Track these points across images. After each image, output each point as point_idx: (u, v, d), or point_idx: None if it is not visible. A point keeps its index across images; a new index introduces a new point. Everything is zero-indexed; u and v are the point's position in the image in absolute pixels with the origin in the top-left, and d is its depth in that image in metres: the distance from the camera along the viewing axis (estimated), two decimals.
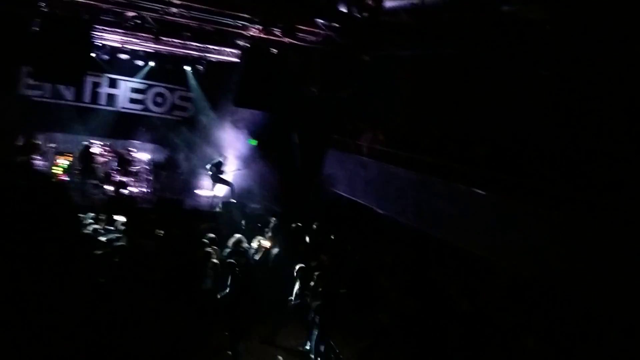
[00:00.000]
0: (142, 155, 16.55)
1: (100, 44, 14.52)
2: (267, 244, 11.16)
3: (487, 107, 11.86)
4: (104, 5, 12.70)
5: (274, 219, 13.64)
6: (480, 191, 10.23)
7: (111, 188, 14.88)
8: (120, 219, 11.35)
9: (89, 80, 15.86)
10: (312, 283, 9.44)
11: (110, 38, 14.53)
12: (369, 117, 15.21)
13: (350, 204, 14.68)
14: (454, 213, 10.89)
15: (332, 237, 12.47)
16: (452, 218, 10.92)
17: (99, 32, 13.95)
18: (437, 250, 11.58)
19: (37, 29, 12.18)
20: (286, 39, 12.10)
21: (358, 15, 8.29)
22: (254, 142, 18.02)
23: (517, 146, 10.51)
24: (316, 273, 9.55)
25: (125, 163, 15.62)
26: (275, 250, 10.82)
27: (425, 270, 11.15)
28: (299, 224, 13.41)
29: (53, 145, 15.14)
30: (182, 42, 15.10)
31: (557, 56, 8.75)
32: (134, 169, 15.94)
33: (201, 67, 16.45)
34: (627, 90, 8.88)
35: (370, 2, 7.71)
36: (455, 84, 11.80)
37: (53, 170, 14.65)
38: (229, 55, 16.03)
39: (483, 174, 10.18)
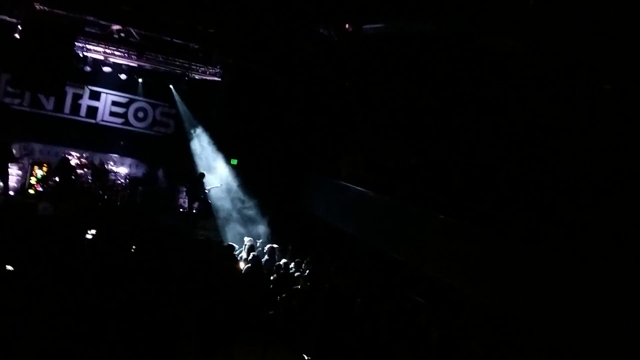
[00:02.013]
0: (120, 169, 16.37)
1: (83, 56, 14.46)
2: (242, 265, 11.10)
3: (466, 138, 11.95)
4: (89, 17, 12.75)
5: (249, 239, 13.57)
6: (455, 220, 10.23)
7: (86, 200, 14.67)
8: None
9: (70, 91, 15.72)
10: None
11: (94, 50, 14.51)
12: (349, 141, 15.24)
13: (328, 227, 14.62)
14: (429, 241, 10.88)
15: (308, 260, 12.36)
16: (426, 246, 10.90)
17: (82, 43, 13.95)
18: (411, 279, 11.54)
19: (19, 36, 12.15)
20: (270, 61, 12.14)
21: (335, 40, 8.34)
22: (235, 162, 17.97)
23: (493, 178, 10.57)
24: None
25: (101, 176, 15.42)
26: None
27: (399, 298, 11.06)
28: (274, 245, 13.34)
29: (29, 154, 14.90)
30: (166, 58, 15.18)
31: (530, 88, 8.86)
32: (110, 182, 15.76)
33: (184, 85, 16.42)
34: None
35: (348, 27, 7.75)
36: (435, 114, 11.88)
37: None
38: (211, 74, 16.08)
39: (459, 203, 10.20)
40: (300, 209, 15.84)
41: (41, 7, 12.37)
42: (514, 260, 9.00)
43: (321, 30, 8.04)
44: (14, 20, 12.69)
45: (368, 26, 7.80)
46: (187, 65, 15.71)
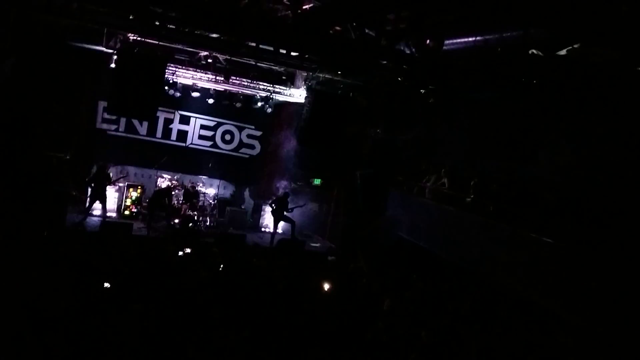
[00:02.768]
0: (208, 190, 16.95)
1: (174, 82, 15.14)
2: (326, 285, 11.09)
3: (556, 152, 11.43)
4: (179, 46, 13.34)
5: (333, 258, 13.59)
6: (547, 239, 9.77)
7: (177, 221, 15.28)
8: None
9: (162, 116, 16.49)
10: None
11: (184, 76, 15.17)
12: (433, 159, 14.99)
13: (412, 247, 14.38)
14: (521, 261, 10.45)
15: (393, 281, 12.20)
16: (519, 266, 10.47)
17: (172, 70, 14.64)
18: (502, 299, 11.11)
19: (114, 65, 12.87)
20: (350, 80, 12.18)
21: (417, 56, 8.24)
22: (318, 181, 18.12)
23: (586, 194, 10.04)
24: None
25: (191, 197, 16.01)
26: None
27: (488, 320, 10.66)
28: (358, 265, 13.28)
29: (124, 176, 15.69)
30: (251, 81, 15.63)
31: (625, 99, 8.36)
32: (199, 203, 16.31)
33: (268, 107, 16.76)
34: None
35: (429, 44, 7.63)
36: (522, 128, 11.45)
37: None
38: (294, 96, 16.38)
39: (550, 221, 9.75)
40: (385, 228, 15.67)
41: (135, 37, 13.11)
42: (611, 281, 8.49)
43: (402, 48, 7.99)
44: (110, 51, 13.51)
45: (450, 41, 7.68)
46: (271, 87, 16.10)
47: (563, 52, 6.80)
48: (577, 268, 9.17)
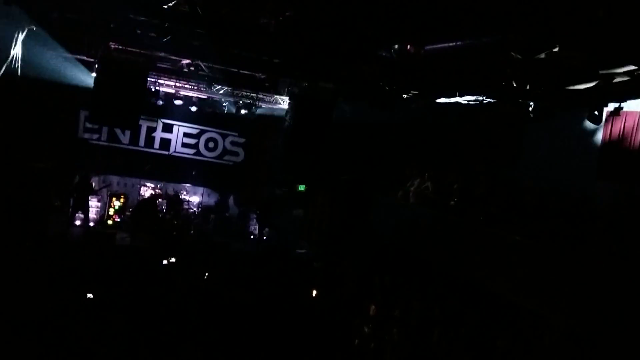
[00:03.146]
0: (192, 198, 16.88)
1: (156, 90, 15.07)
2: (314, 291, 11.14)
3: (538, 155, 11.55)
4: (161, 54, 13.28)
5: (319, 263, 13.59)
6: (531, 241, 9.84)
7: (161, 230, 15.17)
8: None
9: (144, 124, 16.40)
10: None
11: (166, 84, 15.11)
12: (417, 163, 15.04)
13: (397, 251, 14.40)
14: (505, 263, 10.50)
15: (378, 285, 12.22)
16: (503, 268, 10.52)
17: (154, 78, 14.56)
18: (488, 303, 11.16)
19: (95, 74, 12.78)
20: (333, 85, 12.22)
21: (399, 60, 8.29)
22: (303, 187, 18.10)
23: (566, 194, 10.15)
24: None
25: (175, 205, 15.92)
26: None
27: (474, 323, 10.72)
28: (344, 269, 13.30)
29: (107, 186, 15.56)
30: (234, 89, 15.59)
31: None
32: (183, 211, 16.23)
33: (252, 114, 16.76)
34: None
35: (410, 48, 7.69)
36: (503, 131, 11.58)
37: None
38: (278, 102, 16.38)
39: (531, 222, 9.82)
40: (369, 233, 15.68)
41: (116, 46, 13.02)
42: (599, 282, 8.54)
43: (383, 53, 8.06)
44: (91, 59, 13.40)
45: (430, 46, 7.75)
46: (254, 95, 16.09)
47: (542, 55, 6.87)
48: (561, 269, 9.22)
